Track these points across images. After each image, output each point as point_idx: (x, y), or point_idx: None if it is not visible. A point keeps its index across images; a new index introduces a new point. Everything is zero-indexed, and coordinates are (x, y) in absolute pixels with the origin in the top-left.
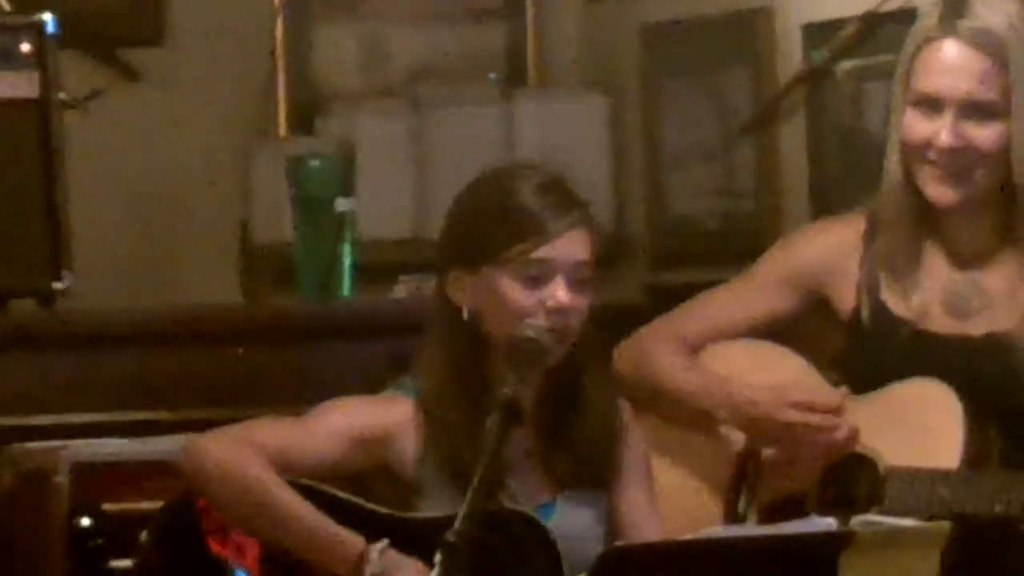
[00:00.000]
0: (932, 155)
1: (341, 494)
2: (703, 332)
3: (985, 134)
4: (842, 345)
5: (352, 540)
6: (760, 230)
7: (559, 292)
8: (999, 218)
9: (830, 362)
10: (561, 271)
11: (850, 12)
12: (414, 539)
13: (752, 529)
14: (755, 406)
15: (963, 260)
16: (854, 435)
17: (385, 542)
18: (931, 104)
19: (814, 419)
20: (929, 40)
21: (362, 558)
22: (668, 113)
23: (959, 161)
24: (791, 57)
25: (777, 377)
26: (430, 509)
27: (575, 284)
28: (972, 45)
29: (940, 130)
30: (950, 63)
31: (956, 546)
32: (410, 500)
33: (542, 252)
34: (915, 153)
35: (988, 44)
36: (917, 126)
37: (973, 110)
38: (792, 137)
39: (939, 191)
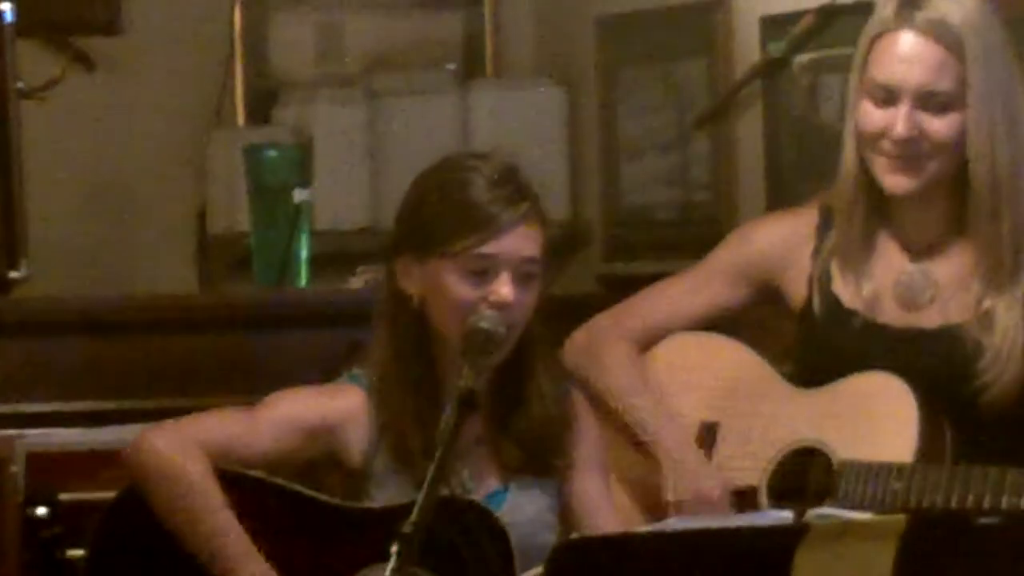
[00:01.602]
0: (887, 145)
1: (293, 486)
2: (655, 324)
3: (939, 125)
4: (793, 337)
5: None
6: (715, 221)
7: (503, 288)
8: (951, 209)
9: (781, 353)
10: (507, 267)
11: (807, 5)
12: (365, 529)
13: (709, 521)
14: (664, 452)
15: (916, 251)
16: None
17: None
18: (887, 94)
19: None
20: (885, 31)
21: None
22: (624, 104)
23: (913, 151)
24: (748, 49)
25: (727, 371)
26: (380, 497)
27: (520, 279)
28: (928, 36)
29: (895, 120)
30: (906, 53)
31: (910, 539)
32: (360, 488)
33: (488, 247)
34: (870, 143)
35: (944, 35)
36: (873, 116)
37: (928, 101)
38: (748, 129)
39: (894, 180)
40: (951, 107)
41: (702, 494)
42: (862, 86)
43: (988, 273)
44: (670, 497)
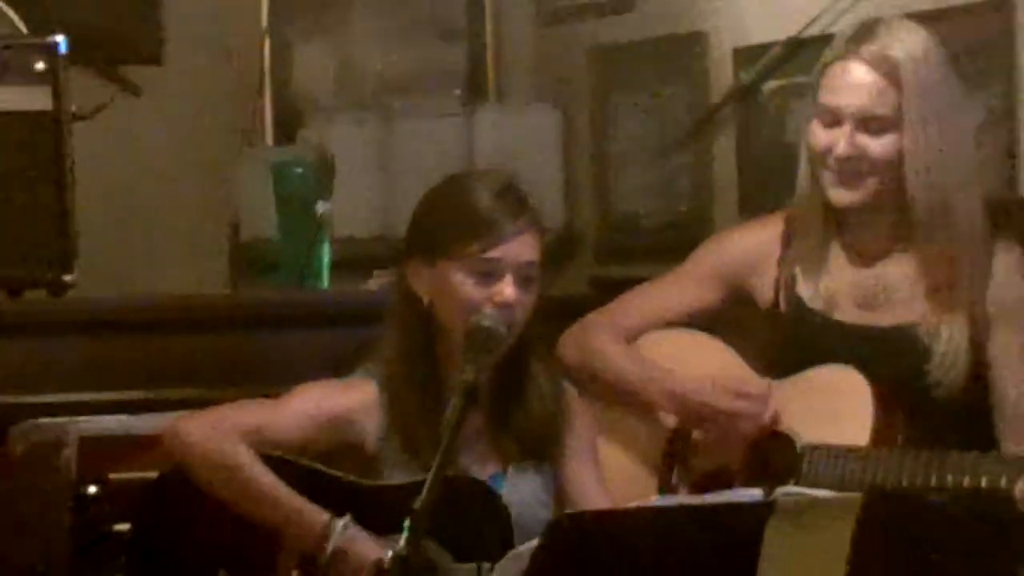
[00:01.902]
0: (831, 161)
1: (315, 465)
2: (639, 321)
3: (877, 145)
4: (762, 334)
5: (317, 514)
6: (694, 229)
7: (507, 289)
8: (897, 221)
9: (751, 348)
10: (510, 269)
11: (775, 37)
12: (377, 505)
13: (687, 499)
14: (695, 393)
15: (866, 258)
16: (776, 418)
17: (348, 517)
18: (832, 116)
19: (744, 405)
20: (835, 60)
21: (326, 531)
22: (613, 125)
23: (854, 168)
24: (723, 77)
25: (706, 364)
26: (390, 480)
27: (522, 281)
28: (869, 65)
29: (839, 139)
30: (848, 80)
31: (867, 515)
32: (372, 473)
33: (493, 252)
34: (818, 159)
35: (883, 65)
36: (820, 135)
37: (867, 123)
38: (723, 147)
39: (837, 193)
40: (888, 130)
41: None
42: (815, 109)
43: (930, 283)
44: (691, 413)
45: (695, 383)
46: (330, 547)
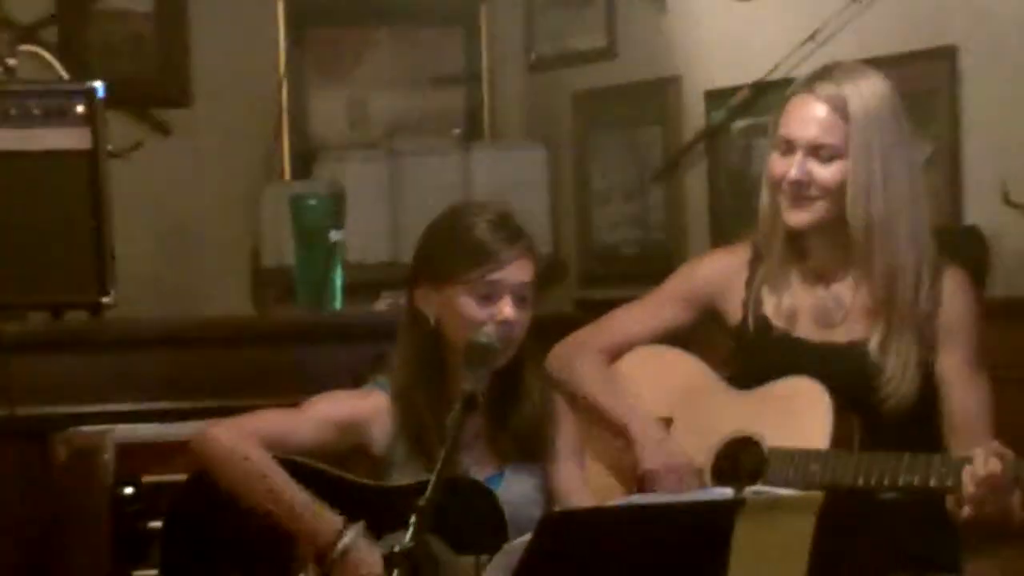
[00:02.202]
0: (785, 187)
1: (326, 467)
2: (619, 340)
3: (825, 172)
4: (731, 349)
5: (332, 519)
6: (669, 256)
7: (507, 308)
8: (847, 244)
9: (722, 362)
10: (508, 291)
11: (743, 81)
12: (385, 503)
13: (666, 497)
14: (639, 445)
15: (827, 278)
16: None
17: (361, 524)
18: (787, 146)
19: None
20: (793, 95)
21: (338, 534)
22: (594, 161)
23: (804, 193)
24: (695, 117)
25: (680, 377)
26: (398, 480)
27: (518, 301)
28: (821, 100)
29: (791, 165)
30: (801, 113)
31: (827, 512)
32: (384, 474)
33: (494, 276)
34: (775, 186)
35: (833, 100)
36: (777, 164)
37: (817, 152)
38: (695, 181)
39: (790, 215)
40: (836, 158)
41: (670, 462)
42: (773, 141)
43: (878, 304)
44: (645, 467)
45: (644, 436)
46: (337, 550)
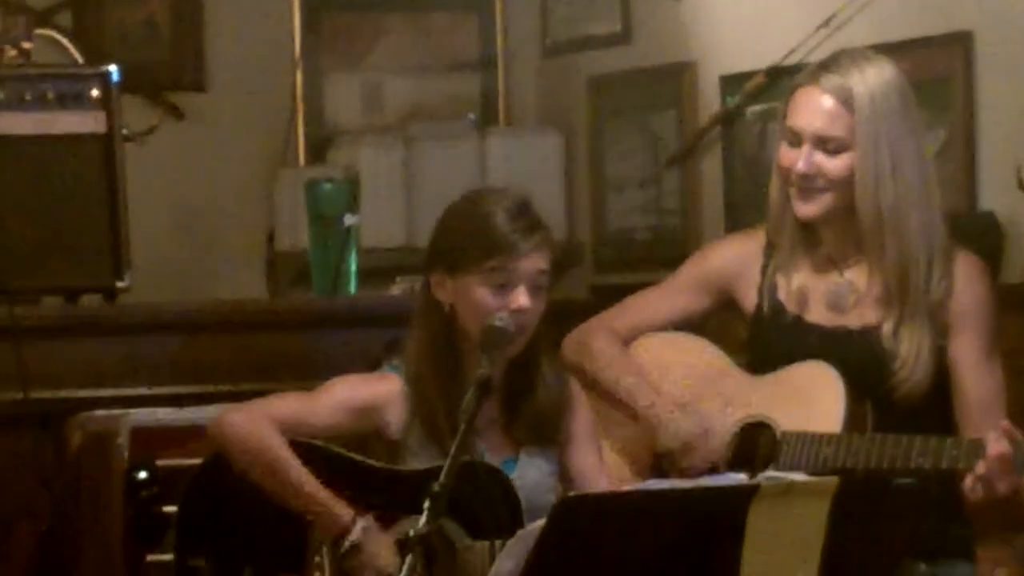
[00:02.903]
0: (794, 178)
1: (343, 451)
2: (634, 326)
3: (832, 164)
4: (747, 335)
5: (342, 511)
6: (684, 242)
7: (521, 297)
8: (857, 231)
9: (737, 348)
10: (523, 281)
11: (757, 66)
12: (400, 487)
13: (679, 482)
14: (655, 428)
15: (840, 264)
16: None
17: (369, 517)
18: (794, 137)
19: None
20: (799, 86)
21: (348, 527)
22: (609, 147)
23: (812, 184)
24: (710, 102)
25: (694, 362)
26: (414, 465)
27: (533, 290)
28: (827, 92)
29: (798, 157)
30: (808, 105)
31: (842, 497)
32: (398, 458)
33: (510, 266)
34: (784, 177)
35: (839, 92)
36: (785, 155)
37: (824, 144)
38: (710, 167)
39: (798, 207)
40: (843, 150)
41: (687, 441)
42: (782, 131)
43: (890, 290)
44: (664, 447)
45: (661, 417)
46: (347, 543)
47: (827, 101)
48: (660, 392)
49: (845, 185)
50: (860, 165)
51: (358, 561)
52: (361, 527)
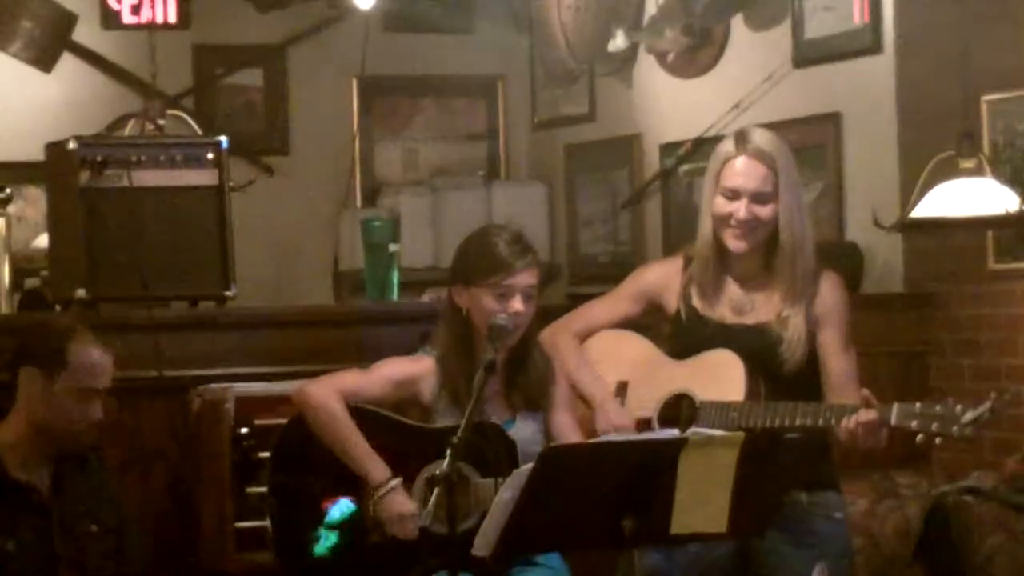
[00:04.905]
0: (733, 223)
1: (389, 413)
2: (587, 325)
3: (764, 211)
4: (670, 331)
5: (380, 470)
6: (633, 264)
7: (517, 303)
8: (763, 258)
9: (663, 340)
10: (519, 291)
11: (686, 137)
12: (430, 440)
13: (630, 436)
14: (595, 408)
15: (743, 282)
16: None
17: (398, 480)
18: (733, 194)
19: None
20: (730, 156)
21: (383, 484)
22: (580, 195)
23: (749, 227)
24: (652, 163)
25: (634, 351)
26: (440, 423)
27: (526, 299)
28: (756, 158)
29: (739, 209)
30: (744, 170)
31: (746, 448)
32: (429, 419)
33: (508, 281)
34: (722, 222)
35: (764, 157)
36: (724, 207)
37: (757, 197)
38: (652, 210)
39: (736, 244)
40: (770, 200)
41: (617, 427)
42: (716, 189)
43: (784, 294)
44: (599, 429)
45: (601, 406)
46: (381, 492)
47: (757, 166)
48: (604, 383)
49: (771, 224)
50: (784, 209)
51: (385, 508)
52: (390, 486)
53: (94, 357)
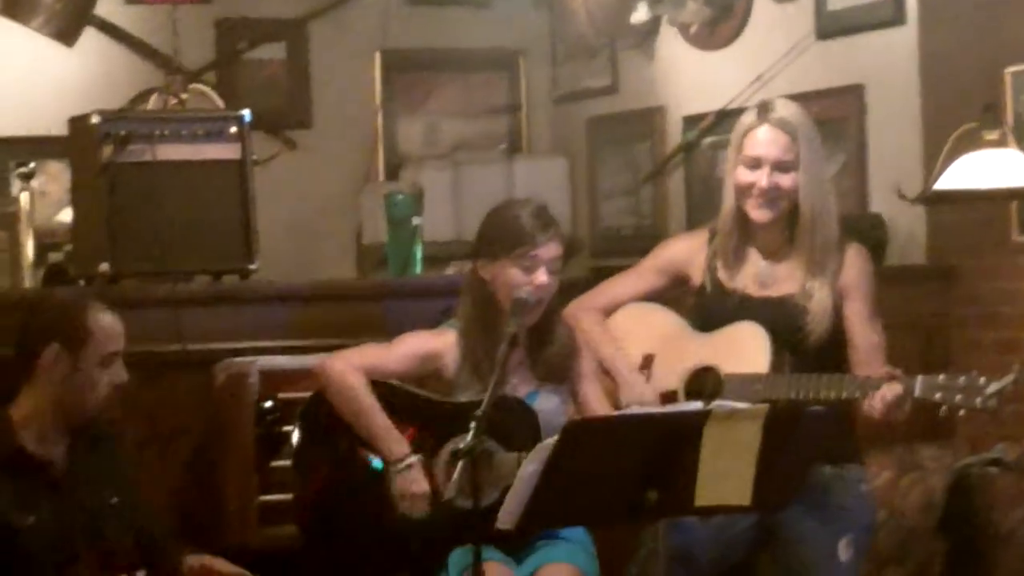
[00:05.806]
0: (755, 192)
1: (412, 388)
2: (611, 300)
3: (785, 180)
4: (695, 304)
5: (399, 446)
6: (656, 237)
7: (542, 277)
8: (786, 230)
9: (688, 313)
10: (543, 264)
11: (708, 109)
12: (453, 414)
13: (655, 408)
14: (617, 379)
15: (767, 254)
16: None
17: (418, 456)
18: (754, 163)
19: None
20: (752, 126)
21: (402, 458)
22: (602, 168)
23: (771, 196)
24: (674, 135)
25: (658, 325)
26: (462, 397)
27: (550, 272)
28: (778, 127)
29: (760, 178)
30: (766, 139)
31: (770, 420)
32: (451, 393)
33: (534, 253)
34: (744, 191)
35: (786, 127)
36: (746, 176)
37: (779, 166)
38: (675, 183)
39: (759, 213)
40: (792, 169)
41: (641, 400)
42: (739, 159)
43: (807, 266)
44: (623, 402)
45: (625, 380)
46: (398, 468)
47: (778, 135)
48: (628, 357)
49: (793, 194)
50: (804, 178)
51: (399, 484)
52: (408, 462)
53: (110, 322)
